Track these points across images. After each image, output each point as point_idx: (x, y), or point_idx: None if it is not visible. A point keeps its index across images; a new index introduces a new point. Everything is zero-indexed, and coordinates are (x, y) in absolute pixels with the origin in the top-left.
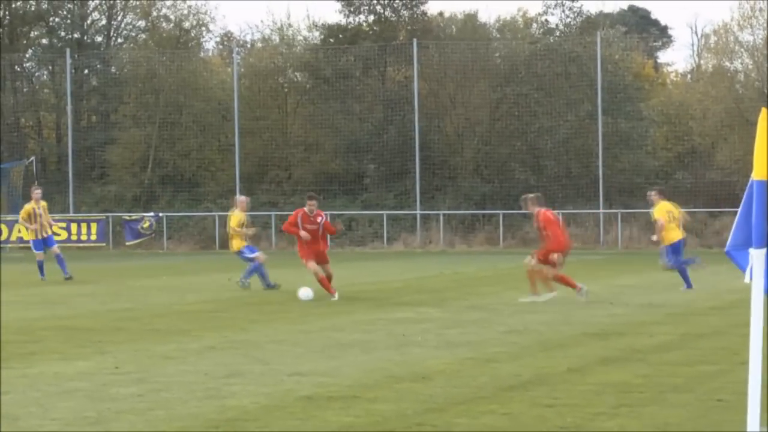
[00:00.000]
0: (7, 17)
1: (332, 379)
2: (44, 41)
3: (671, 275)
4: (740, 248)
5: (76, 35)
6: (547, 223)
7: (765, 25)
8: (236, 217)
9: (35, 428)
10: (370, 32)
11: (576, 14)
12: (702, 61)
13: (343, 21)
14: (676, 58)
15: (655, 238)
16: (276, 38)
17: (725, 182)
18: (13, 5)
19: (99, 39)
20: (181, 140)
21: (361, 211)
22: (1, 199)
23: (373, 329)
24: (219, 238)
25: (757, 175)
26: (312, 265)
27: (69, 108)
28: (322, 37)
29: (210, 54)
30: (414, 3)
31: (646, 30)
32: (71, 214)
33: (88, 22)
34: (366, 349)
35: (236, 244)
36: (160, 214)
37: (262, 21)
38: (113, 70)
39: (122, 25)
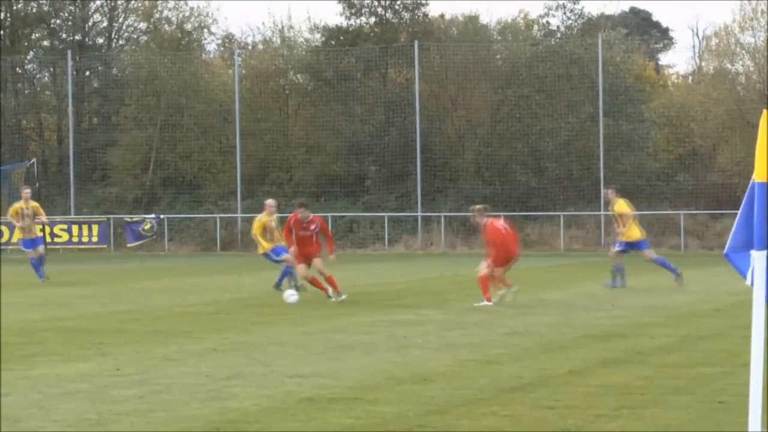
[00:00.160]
0: (9, 19)
1: (333, 380)
2: (45, 43)
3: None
4: (739, 250)
5: (77, 37)
6: (493, 233)
7: (766, 26)
8: (259, 222)
9: (36, 430)
10: (371, 34)
11: (577, 16)
12: (703, 63)
13: (344, 23)
14: (677, 60)
15: (620, 230)
16: (277, 40)
17: (726, 184)
18: (15, 7)
19: (100, 41)
20: (182, 142)
21: (363, 213)
22: (2, 200)
23: (374, 331)
24: (220, 239)
25: (758, 176)
26: (301, 269)
27: (70, 110)
28: (323, 39)
29: (211, 56)
30: (415, 5)
31: (648, 32)
32: (72, 216)
33: (90, 24)
34: (367, 350)
35: (264, 245)
36: (161, 216)
37: (263, 23)
38: (114, 72)
39: (123, 27)
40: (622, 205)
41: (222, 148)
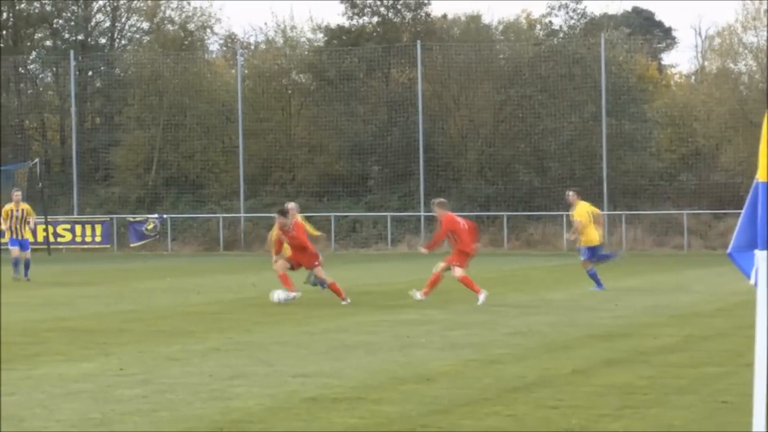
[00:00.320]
0: (11, 19)
1: (337, 380)
2: (48, 43)
3: (677, 275)
4: (743, 250)
5: (80, 37)
6: (451, 223)
7: None
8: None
9: (40, 429)
10: (374, 34)
11: (580, 16)
12: (706, 63)
13: (347, 23)
14: (680, 59)
15: (572, 237)
16: (280, 40)
17: (729, 184)
18: (17, 7)
19: (103, 41)
20: (185, 142)
21: (365, 212)
22: (2, 200)
23: (378, 331)
24: (223, 239)
25: (761, 176)
26: (279, 263)
27: (73, 110)
28: (326, 38)
29: (214, 56)
30: (417, 5)
31: (650, 32)
32: (75, 216)
33: (92, 24)
34: (370, 350)
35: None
36: (164, 216)
37: (265, 23)
38: (117, 71)
39: (126, 27)
40: (578, 212)
41: (225, 147)
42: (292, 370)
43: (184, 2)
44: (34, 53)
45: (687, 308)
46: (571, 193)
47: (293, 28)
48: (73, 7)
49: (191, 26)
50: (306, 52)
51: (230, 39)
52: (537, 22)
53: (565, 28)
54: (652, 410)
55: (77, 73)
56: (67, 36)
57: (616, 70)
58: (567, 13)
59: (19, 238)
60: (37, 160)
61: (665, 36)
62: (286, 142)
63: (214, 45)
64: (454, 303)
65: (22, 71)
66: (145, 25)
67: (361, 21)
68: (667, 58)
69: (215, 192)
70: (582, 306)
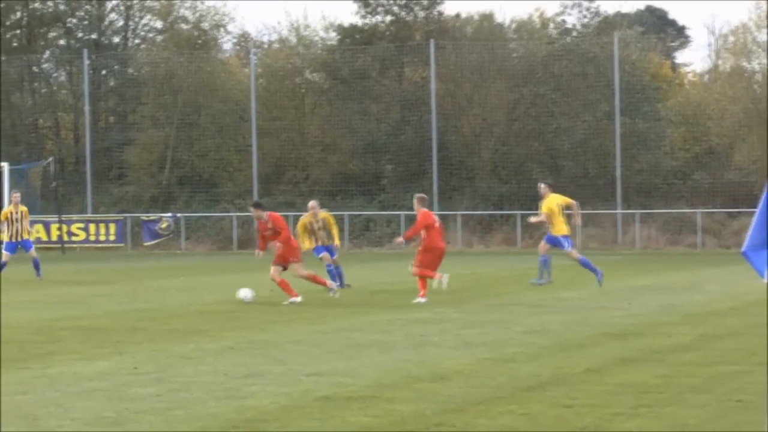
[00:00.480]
0: (26, 18)
1: (351, 379)
2: (62, 42)
3: (691, 274)
4: (757, 249)
5: (93, 36)
6: (425, 221)
7: None
8: (301, 222)
9: (55, 428)
10: (387, 33)
11: (593, 15)
12: (719, 62)
13: (360, 22)
14: (694, 58)
15: (534, 220)
16: (293, 39)
17: (743, 182)
18: (31, 6)
19: (116, 40)
20: (198, 141)
21: (379, 211)
22: None
23: (391, 329)
24: (237, 238)
25: None
26: (272, 270)
27: (86, 109)
28: (339, 37)
29: (227, 55)
30: (430, 4)
31: (664, 30)
32: (89, 215)
33: (105, 23)
34: (384, 349)
35: (306, 244)
36: (178, 215)
37: (279, 22)
38: (131, 70)
39: (139, 26)
40: (546, 204)
41: (238, 146)
42: (306, 369)
43: (198, 2)
44: (48, 52)
45: (701, 307)
46: (542, 185)
47: (306, 27)
48: (87, 6)
49: (205, 25)
50: (319, 51)
51: (244, 38)
52: (550, 20)
53: (578, 27)
54: (666, 409)
55: (91, 71)
56: (80, 35)
57: (630, 68)
58: (580, 11)
59: (19, 240)
60: (51, 159)
61: (678, 35)
62: (299, 140)
63: (227, 44)
64: (467, 302)
65: (36, 70)
66: (158, 24)
67: (374, 20)
68: (680, 57)
69: (229, 191)
70: (596, 305)
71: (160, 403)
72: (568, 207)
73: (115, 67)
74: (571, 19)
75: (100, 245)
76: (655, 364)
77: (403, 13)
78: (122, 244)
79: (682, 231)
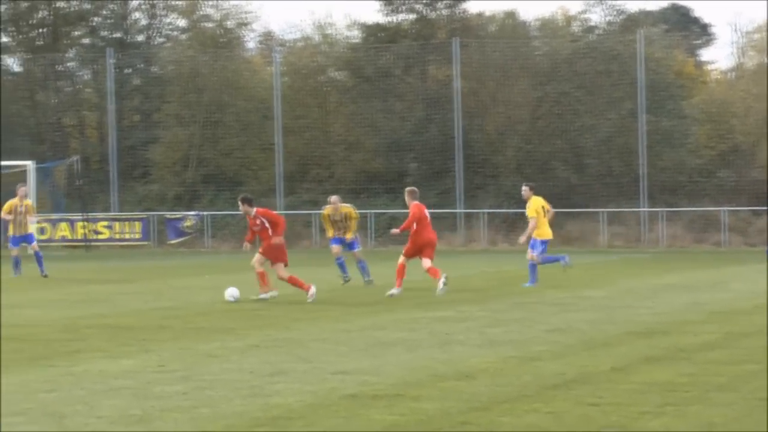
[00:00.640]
0: (51, 17)
1: (376, 377)
2: (87, 41)
3: (716, 272)
4: None
5: (117, 35)
6: (417, 213)
7: None
8: (322, 215)
9: (81, 426)
10: (410, 31)
11: (617, 12)
12: (744, 59)
13: (384, 20)
14: (718, 56)
15: (522, 239)
16: (317, 37)
17: None
18: (56, 5)
19: (140, 39)
20: (223, 139)
21: (403, 209)
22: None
23: (416, 328)
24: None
25: None
26: (256, 258)
27: (110, 107)
28: (363, 36)
29: (251, 53)
30: (453, 2)
31: (688, 28)
32: (115, 213)
33: (129, 21)
34: (409, 347)
35: (330, 233)
36: (203, 213)
37: (302, 20)
38: (156, 69)
39: (162, 25)
40: (533, 207)
41: (262, 145)
42: (331, 367)
43: (222, 0)
44: (72, 51)
45: (726, 305)
46: (526, 188)
47: (330, 25)
48: (112, 5)
49: (229, 24)
50: (343, 50)
51: (267, 36)
52: (574, 18)
53: (602, 25)
54: (692, 408)
55: (116, 70)
56: (105, 33)
57: (654, 66)
58: (604, 9)
59: (22, 234)
60: (77, 157)
61: (702, 32)
62: (323, 139)
63: (251, 42)
64: (492, 300)
65: (61, 69)
66: (182, 23)
67: (397, 18)
68: (704, 55)
69: (253, 189)
70: (620, 303)
71: (186, 401)
72: (547, 212)
73: (140, 65)
74: (595, 17)
75: (125, 243)
76: (680, 363)
77: (426, 11)
78: (147, 243)
79: (708, 229)
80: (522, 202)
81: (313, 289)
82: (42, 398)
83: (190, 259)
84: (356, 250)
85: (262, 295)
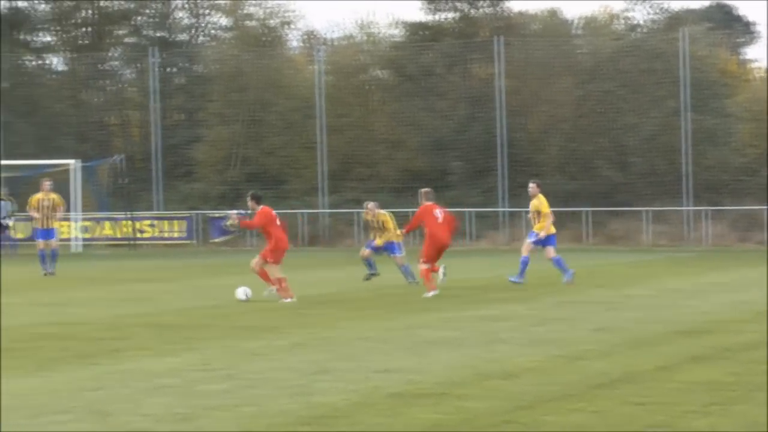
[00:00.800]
0: (95, 16)
1: (420, 376)
2: (130, 40)
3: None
4: None
5: (161, 34)
6: (423, 215)
7: None
8: (364, 217)
9: (126, 424)
10: (453, 29)
11: (660, 10)
12: None
13: (426, 18)
14: (761, 54)
15: (543, 234)
16: (359, 36)
17: None
18: (99, 4)
19: (183, 37)
20: (266, 138)
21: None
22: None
23: (460, 326)
24: (305, 235)
25: None
26: (256, 260)
27: (152, 106)
28: (406, 34)
29: (294, 52)
30: (496, 0)
31: (731, 26)
32: (158, 212)
33: (172, 20)
34: (453, 346)
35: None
36: (247, 212)
37: (345, 19)
38: (199, 68)
39: (205, 24)
40: (544, 204)
41: (305, 143)
42: (375, 366)
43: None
44: (117, 50)
45: None
46: (533, 185)
47: (373, 24)
48: (156, 5)
49: (272, 22)
50: (385, 48)
51: (310, 35)
52: (617, 16)
53: (646, 23)
54: (737, 407)
55: (160, 69)
56: (148, 32)
57: (697, 64)
58: (647, 7)
59: (46, 228)
60: (119, 156)
61: (746, 30)
62: (366, 137)
63: (294, 41)
64: (537, 298)
65: (107, 68)
66: (225, 22)
67: (440, 17)
68: (748, 53)
69: (296, 188)
70: (665, 302)
71: (230, 400)
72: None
73: (184, 64)
74: (638, 16)
75: (169, 242)
76: (725, 362)
77: (469, 10)
78: (191, 241)
79: (751, 228)
80: (564, 201)
81: (273, 289)
82: (87, 396)
83: (234, 258)
84: (398, 255)
85: (269, 289)
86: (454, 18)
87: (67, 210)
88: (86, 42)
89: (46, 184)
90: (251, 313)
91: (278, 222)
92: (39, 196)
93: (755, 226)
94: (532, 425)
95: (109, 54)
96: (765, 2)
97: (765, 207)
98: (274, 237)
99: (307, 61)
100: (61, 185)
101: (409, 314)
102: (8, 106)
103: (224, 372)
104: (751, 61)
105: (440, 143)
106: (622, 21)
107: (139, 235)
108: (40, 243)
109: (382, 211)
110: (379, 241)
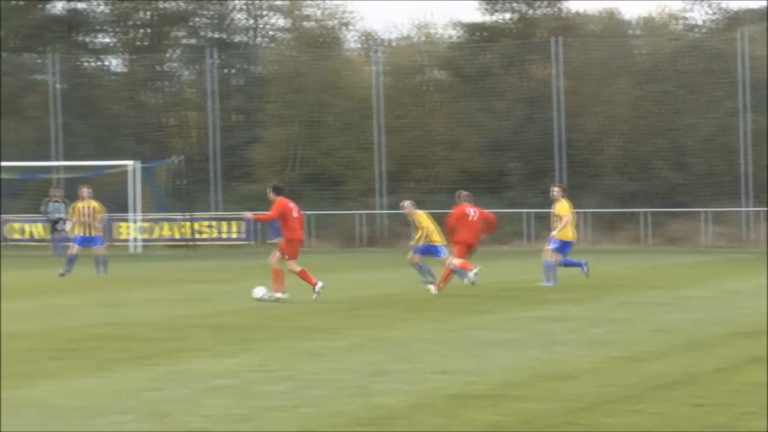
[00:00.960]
0: (155, 17)
1: (478, 377)
2: (189, 41)
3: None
4: None
5: (219, 35)
6: (456, 217)
7: None
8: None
9: (184, 425)
10: (510, 30)
11: (719, 10)
12: None
13: (483, 19)
14: None
15: (554, 234)
16: (417, 37)
17: None
18: (159, 5)
19: (241, 38)
20: (324, 139)
21: (504, 209)
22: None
23: (518, 327)
24: (363, 236)
25: None
26: (275, 257)
27: (210, 107)
28: (464, 35)
29: (352, 53)
30: (554, 1)
31: None
32: (217, 213)
33: (229, 21)
34: (511, 347)
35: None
36: (306, 213)
37: (402, 20)
38: (257, 69)
39: (263, 25)
40: (564, 207)
41: (363, 144)
42: (433, 367)
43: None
44: (176, 51)
45: None
46: (556, 189)
47: (431, 24)
48: (216, 6)
49: (329, 23)
50: (443, 49)
51: (367, 36)
52: (675, 17)
53: (705, 23)
54: None
55: (220, 70)
56: (206, 34)
57: (756, 64)
58: (706, 8)
59: (88, 235)
60: (179, 157)
61: None
62: (423, 138)
63: (351, 42)
64: (595, 299)
65: (165, 69)
66: (282, 23)
67: (497, 17)
68: None
69: (354, 189)
70: (724, 303)
71: (289, 401)
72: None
73: (242, 66)
74: (697, 16)
75: (228, 243)
76: None
77: (526, 10)
78: (249, 242)
79: None
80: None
81: (319, 285)
82: (146, 397)
83: None
84: (442, 257)
85: (278, 295)
86: (511, 18)
87: (126, 211)
88: (145, 43)
89: (85, 191)
90: (308, 314)
91: (295, 214)
92: (79, 204)
93: None
94: (591, 427)
95: (168, 55)
96: None
97: None
98: (289, 228)
99: (364, 61)
100: (120, 186)
101: (467, 315)
102: (67, 107)
103: (282, 373)
104: None
105: (498, 144)
106: (681, 21)
107: (197, 236)
108: (74, 247)
109: (419, 211)
110: (418, 242)
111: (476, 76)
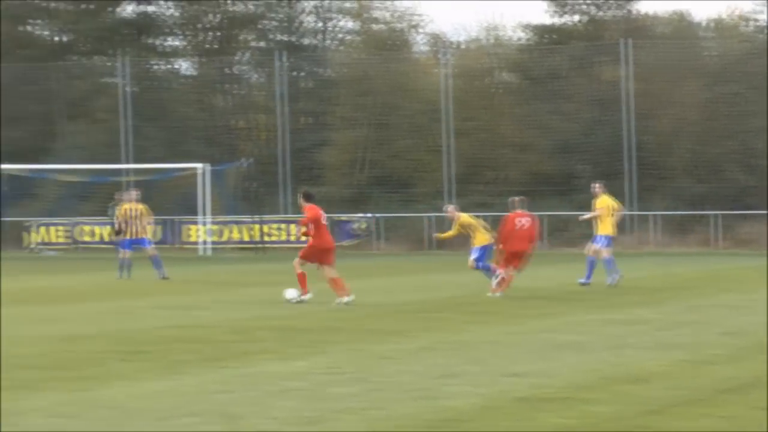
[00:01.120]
0: (224, 21)
1: (547, 380)
2: (258, 44)
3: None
4: None
5: (288, 38)
6: (505, 227)
7: None
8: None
9: (255, 427)
10: (579, 32)
11: None
12: None
13: (552, 21)
14: None
15: (583, 218)
16: (486, 39)
17: None
18: (228, 8)
19: (310, 41)
20: (393, 141)
21: (573, 212)
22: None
23: (587, 330)
24: (433, 239)
25: None
26: (295, 261)
27: (279, 110)
28: (533, 37)
29: (421, 55)
30: (623, 2)
31: None
32: (286, 215)
33: (298, 24)
34: (580, 350)
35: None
36: (376, 215)
37: (471, 22)
38: (325, 71)
39: (332, 28)
40: (600, 202)
41: (432, 147)
42: (502, 370)
43: (394, 2)
44: (245, 54)
45: None
46: (597, 185)
47: (500, 26)
48: (285, 9)
49: (398, 26)
50: (512, 51)
51: (436, 38)
52: (745, 18)
53: None
54: None
55: (290, 72)
56: (276, 37)
57: None
58: None
59: (135, 237)
60: (248, 159)
61: None
62: (492, 141)
63: (420, 45)
64: (664, 302)
65: (234, 72)
66: (351, 25)
67: (566, 19)
68: None
69: (423, 191)
70: None
71: (358, 403)
72: (614, 211)
73: (311, 68)
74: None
75: (296, 246)
76: None
77: (595, 12)
78: None
79: None
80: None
81: (347, 298)
82: (217, 399)
83: (361, 261)
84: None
85: (303, 297)
86: (580, 20)
87: (195, 214)
88: (214, 46)
89: (130, 194)
90: (377, 316)
91: (324, 221)
92: (126, 206)
93: None
94: (662, 430)
95: (237, 58)
96: None
97: None
98: (317, 234)
99: (433, 64)
100: (190, 189)
101: (535, 318)
102: (137, 110)
103: (352, 375)
104: None
105: (567, 146)
106: (751, 23)
107: (266, 238)
108: (126, 252)
109: (463, 214)
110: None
111: (545, 79)
